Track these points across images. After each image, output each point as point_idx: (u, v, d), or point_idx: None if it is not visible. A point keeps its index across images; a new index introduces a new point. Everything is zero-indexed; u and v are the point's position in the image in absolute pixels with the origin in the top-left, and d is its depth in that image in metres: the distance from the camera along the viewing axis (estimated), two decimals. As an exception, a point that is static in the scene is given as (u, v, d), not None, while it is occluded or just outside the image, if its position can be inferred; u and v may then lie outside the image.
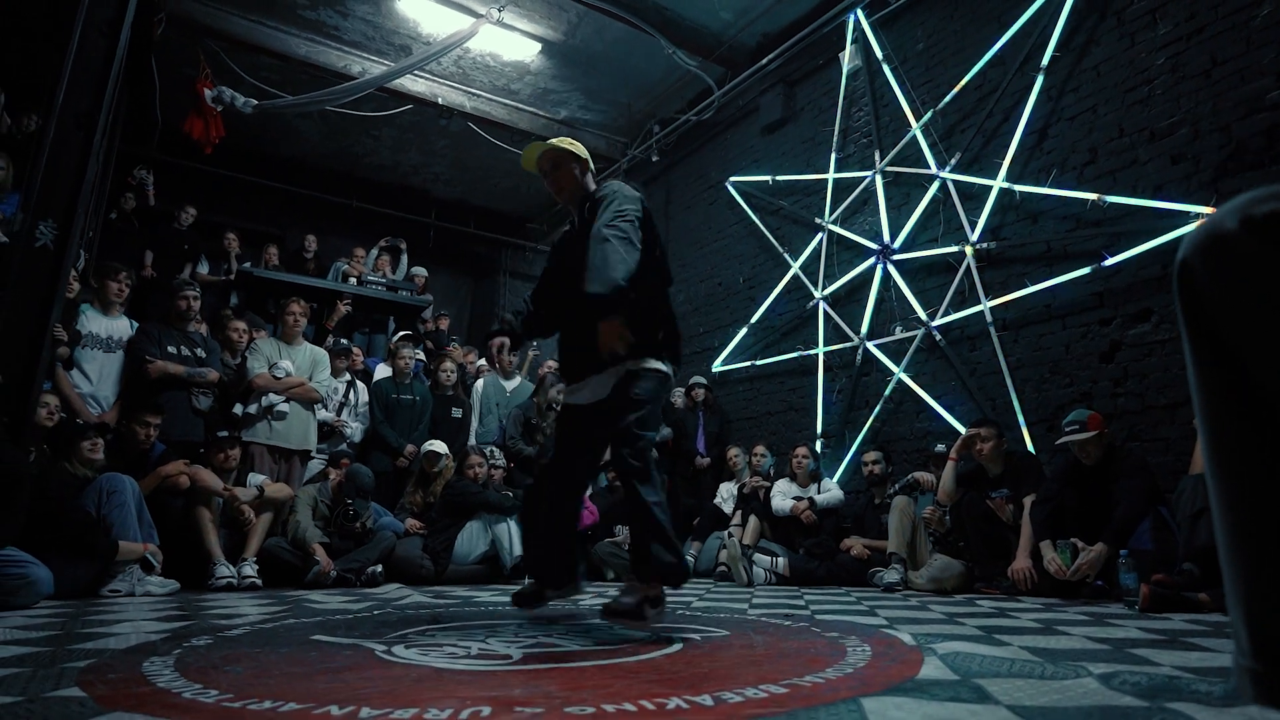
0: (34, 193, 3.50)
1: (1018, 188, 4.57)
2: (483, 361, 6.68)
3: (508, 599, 3.40)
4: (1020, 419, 4.39)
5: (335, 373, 5.37)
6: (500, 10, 6.19)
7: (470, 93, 7.64)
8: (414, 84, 7.28)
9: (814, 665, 1.68)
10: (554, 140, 2.58)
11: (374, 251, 8.29)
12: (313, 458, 4.98)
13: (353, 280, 7.60)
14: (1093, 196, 4.11)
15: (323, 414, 5.20)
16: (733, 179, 6.91)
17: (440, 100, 7.50)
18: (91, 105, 3.60)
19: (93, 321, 4.40)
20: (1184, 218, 3.74)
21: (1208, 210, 3.64)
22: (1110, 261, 4.03)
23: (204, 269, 7.18)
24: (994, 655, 1.77)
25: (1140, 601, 2.73)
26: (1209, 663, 1.69)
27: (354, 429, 5.50)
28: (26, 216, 3.48)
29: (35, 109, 6.03)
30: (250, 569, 3.85)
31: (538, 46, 6.88)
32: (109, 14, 3.74)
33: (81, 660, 1.73)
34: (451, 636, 2.15)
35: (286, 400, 4.66)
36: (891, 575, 4.03)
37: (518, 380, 6.44)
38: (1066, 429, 3.54)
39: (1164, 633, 2.23)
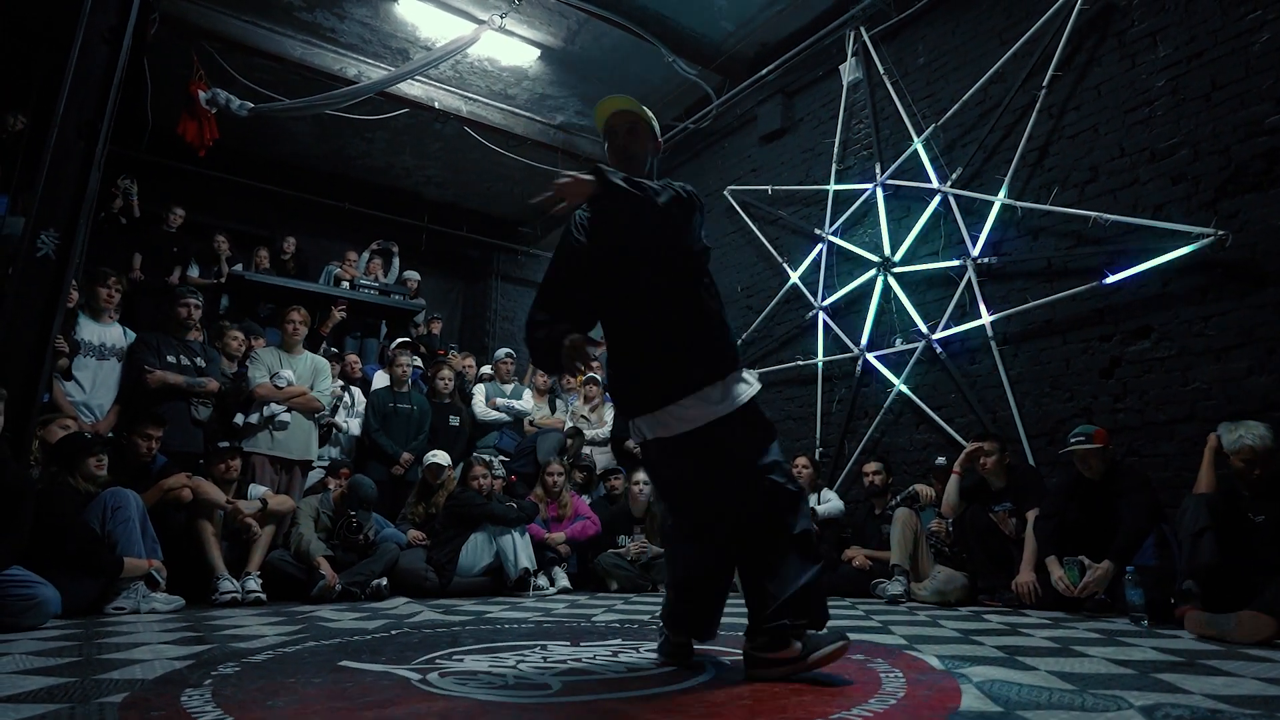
0: (35, 202, 3.43)
1: (1019, 204, 4.63)
2: (485, 369, 6.64)
3: (520, 614, 3.40)
4: (1021, 432, 4.45)
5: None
6: (502, 17, 6.16)
7: (467, 97, 7.59)
8: (410, 88, 7.21)
9: (854, 695, 1.70)
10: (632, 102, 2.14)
11: (365, 255, 8.21)
12: (313, 467, 4.93)
13: (345, 284, 7.52)
14: (1094, 214, 4.18)
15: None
16: (730, 187, 6.94)
17: (436, 104, 7.44)
18: (94, 114, 3.54)
19: (85, 329, 4.31)
20: (1184, 238, 3.82)
21: (1208, 231, 3.71)
22: (1111, 279, 4.10)
23: (194, 272, 7.06)
24: (1029, 683, 1.79)
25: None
26: (1237, 689, 1.73)
27: (349, 425, 5.44)
28: (27, 226, 3.41)
29: (20, 108, 5.91)
30: (254, 583, 3.80)
31: (536, 52, 6.85)
32: (111, 20, 3.68)
33: (114, 694, 1.70)
34: (481, 661, 2.15)
35: (288, 410, 4.61)
36: (895, 587, 4.07)
37: (514, 385, 6.43)
38: (1072, 440, 3.60)
39: (1179, 653, 2.28)
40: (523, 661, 2.13)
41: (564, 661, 2.14)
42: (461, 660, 2.17)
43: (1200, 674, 1.93)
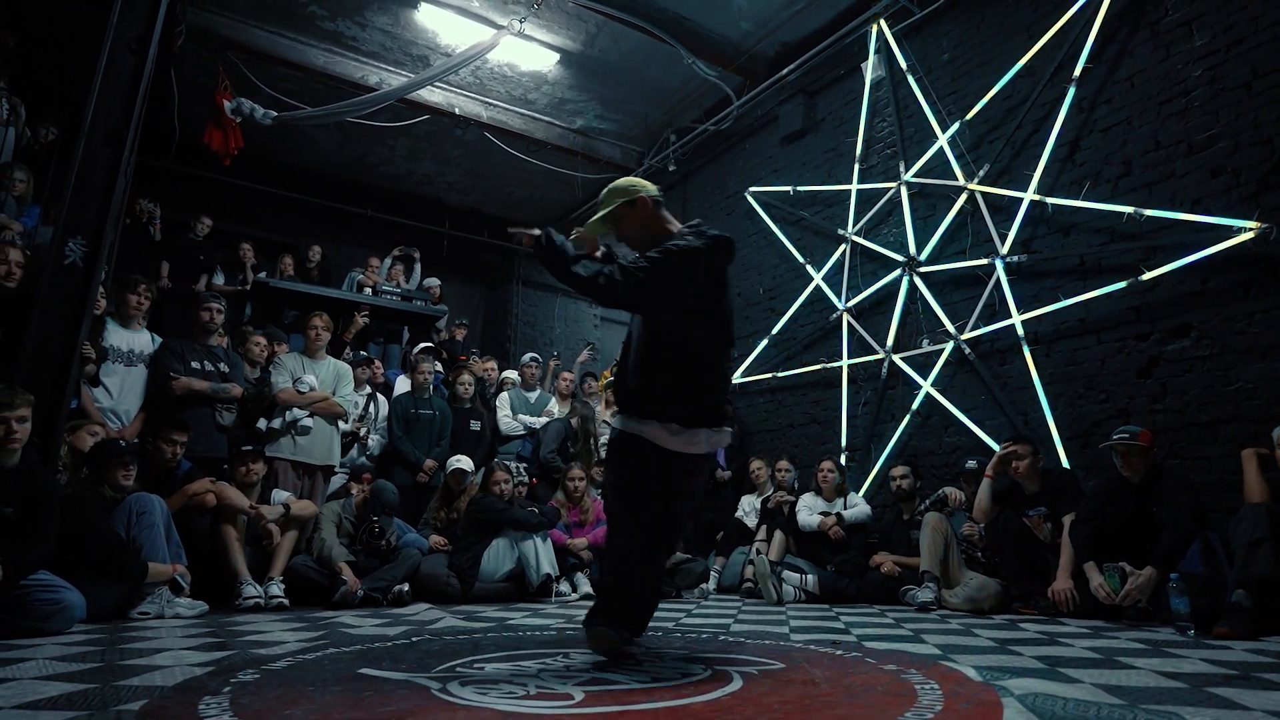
0: (62, 210, 3.47)
1: (1050, 200, 4.51)
2: (507, 374, 6.63)
3: (542, 621, 3.36)
4: (1054, 435, 4.33)
5: (356, 384, 5.33)
6: (521, 21, 6.16)
7: (487, 102, 7.62)
8: (431, 94, 7.25)
9: (889, 708, 1.63)
10: (607, 198, 2.38)
11: (388, 261, 8.26)
12: (336, 473, 4.94)
13: (368, 290, 7.57)
14: (1130, 210, 4.05)
15: (343, 425, 5.16)
16: (752, 189, 6.87)
17: (457, 110, 7.48)
18: (120, 123, 3.57)
19: (113, 335, 4.34)
20: (1226, 232, 3.68)
21: (1251, 225, 3.58)
22: (1148, 276, 3.97)
23: (219, 279, 7.15)
24: (1074, 697, 1.71)
25: None
26: (1300, 706, 1.63)
27: (375, 441, 5.46)
28: (55, 233, 3.45)
29: (53, 120, 6.02)
30: (277, 588, 3.80)
31: (556, 57, 6.85)
32: (138, 30, 3.71)
33: (132, 701, 1.68)
34: (502, 669, 2.10)
35: (310, 415, 4.62)
36: (925, 594, 3.97)
37: (538, 391, 6.41)
38: (1115, 436, 3.49)
39: (1232, 665, 2.17)
40: (545, 670, 2.08)
41: (587, 670, 2.09)
42: (483, 668, 2.13)
43: (1258, 688, 1.82)
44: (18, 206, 5.16)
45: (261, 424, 4.61)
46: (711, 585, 5.07)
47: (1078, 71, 4.47)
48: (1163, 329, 3.98)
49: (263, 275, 7.16)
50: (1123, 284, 4.09)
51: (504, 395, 6.08)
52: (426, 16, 6.33)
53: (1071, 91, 4.49)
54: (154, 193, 6.98)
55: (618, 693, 1.81)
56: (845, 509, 4.82)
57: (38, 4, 5.94)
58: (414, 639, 2.74)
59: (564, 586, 4.60)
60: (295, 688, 1.84)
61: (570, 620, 3.40)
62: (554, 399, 6.33)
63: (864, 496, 5.19)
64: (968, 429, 4.82)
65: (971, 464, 4.47)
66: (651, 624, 3.24)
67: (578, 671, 2.06)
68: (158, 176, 7.32)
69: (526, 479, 5.35)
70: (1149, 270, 3.98)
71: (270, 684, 1.89)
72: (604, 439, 6.10)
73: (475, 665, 2.18)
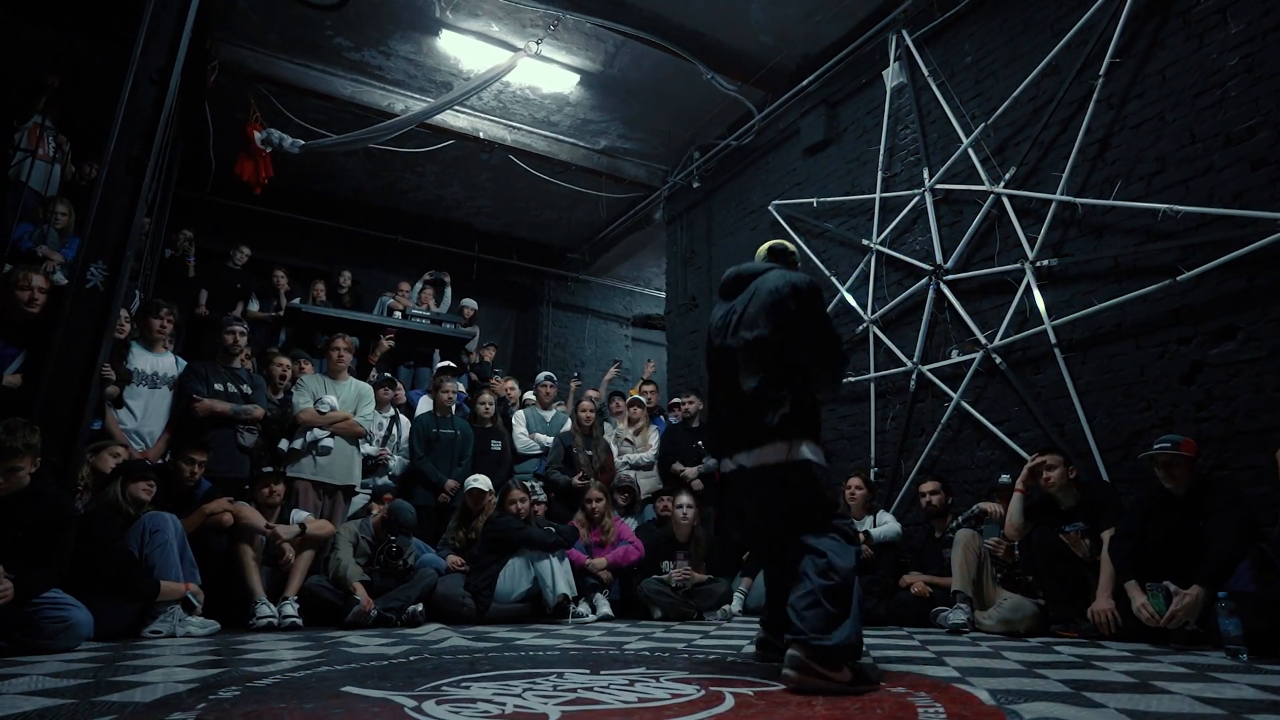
0: (85, 235, 3.58)
1: (1080, 201, 4.32)
2: (529, 394, 6.60)
3: (551, 642, 3.27)
4: (1092, 445, 4.10)
5: (379, 406, 5.36)
6: (538, 43, 6.23)
7: (511, 126, 7.71)
8: (455, 119, 7.37)
9: (883, 733, 1.50)
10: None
11: (418, 285, 8.38)
12: (357, 493, 4.95)
13: (398, 314, 7.67)
14: (1165, 207, 3.85)
15: (367, 448, 5.19)
16: (775, 202, 6.77)
17: (481, 134, 7.58)
18: (141, 151, 3.68)
19: (138, 358, 4.43)
20: (1271, 225, 3.46)
21: (1297, 217, 3.36)
22: (1187, 276, 3.75)
23: (254, 306, 7.33)
24: (1091, 723, 1.56)
25: None
26: (1351, 735, 1.45)
27: (396, 460, 5.47)
28: (78, 258, 3.55)
29: (96, 157, 6.28)
30: (291, 608, 3.80)
31: (576, 78, 6.90)
32: (159, 62, 3.84)
33: (104, 716, 1.66)
34: (487, 689, 2.03)
35: (331, 435, 4.65)
36: (957, 616, 3.76)
37: (555, 410, 6.36)
38: (1157, 447, 3.27)
39: (1282, 691, 1.97)
40: (530, 690, 2.00)
41: (574, 690, 2.00)
42: (468, 688, 2.06)
43: (1305, 715, 1.64)
44: (60, 238, 5.38)
45: (283, 444, 4.66)
46: (736, 607, 4.91)
47: (1105, 67, 4.29)
48: (1206, 332, 3.74)
49: (296, 301, 7.32)
50: (1161, 285, 3.87)
51: (520, 414, 6.05)
52: (448, 43, 6.45)
53: (1099, 88, 4.31)
54: (192, 223, 7.22)
55: (597, 713, 1.72)
56: (874, 527, 4.64)
57: (80, 46, 6.24)
58: (411, 658, 2.68)
59: (582, 608, 4.50)
60: (269, 704, 1.80)
61: (581, 641, 3.30)
62: (569, 420, 6.25)
63: (894, 514, 4.98)
64: (1001, 442, 4.61)
65: (1005, 479, 4.25)
66: (659, 646, 3.13)
67: (563, 692, 1.97)
68: (196, 207, 7.59)
69: (544, 497, 5.29)
70: (1188, 270, 3.76)
71: (246, 701, 1.84)
72: (619, 454, 5.99)
73: (462, 685, 2.11)
